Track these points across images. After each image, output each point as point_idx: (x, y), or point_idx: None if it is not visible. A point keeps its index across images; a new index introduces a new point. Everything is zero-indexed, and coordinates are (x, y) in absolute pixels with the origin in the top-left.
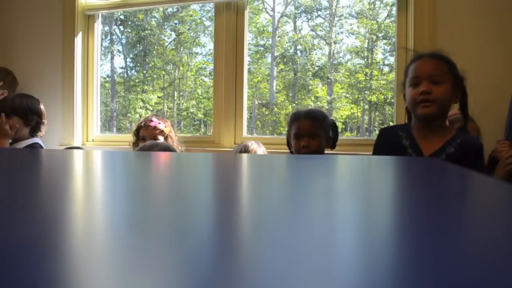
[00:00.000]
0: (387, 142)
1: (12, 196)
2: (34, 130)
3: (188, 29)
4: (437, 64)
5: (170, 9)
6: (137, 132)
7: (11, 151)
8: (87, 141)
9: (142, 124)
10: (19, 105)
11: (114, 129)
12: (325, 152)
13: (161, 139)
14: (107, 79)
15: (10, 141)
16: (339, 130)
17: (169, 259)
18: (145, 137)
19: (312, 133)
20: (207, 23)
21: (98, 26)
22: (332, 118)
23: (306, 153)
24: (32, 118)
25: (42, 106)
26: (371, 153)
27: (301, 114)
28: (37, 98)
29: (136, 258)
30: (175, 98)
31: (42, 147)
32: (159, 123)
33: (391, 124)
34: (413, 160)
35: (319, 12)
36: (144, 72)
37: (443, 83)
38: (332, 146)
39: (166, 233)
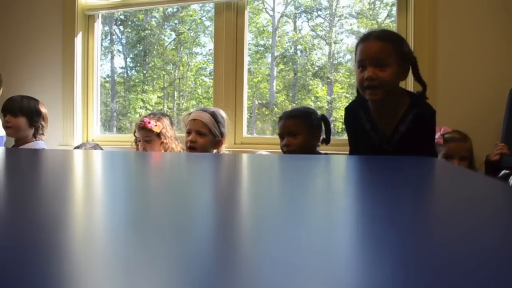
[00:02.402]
0: (353, 123)
1: (15, 196)
2: (37, 132)
3: (188, 29)
4: (381, 47)
5: (170, 9)
6: (135, 133)
7: (20, 153)
8: (87, 141)
9: (137, 125)
10: (27, 106)
11: (114, 129)
12: (322, 148)
13: (154, 138)
14: (107, 79)
15: (13, 144)
16: (339, 130)
17: (169, 259)
18: (140, 138)
19: (292, 132)
20: (207, 23)
21: (98, 26)
22: (323, 113)
23: (288, 151)
24: (37, 119)
25: (45, 110)
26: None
27: (284, 114)
28: (37, 98)
29: (137, 258)
30: (175, 98)
31: None
32: (149, 122)
33: None
34: (406, 160)
35: (319, 12)
36: (144, 72)
37: (388, 66)
38: (326, 142)
39: (166, 233)
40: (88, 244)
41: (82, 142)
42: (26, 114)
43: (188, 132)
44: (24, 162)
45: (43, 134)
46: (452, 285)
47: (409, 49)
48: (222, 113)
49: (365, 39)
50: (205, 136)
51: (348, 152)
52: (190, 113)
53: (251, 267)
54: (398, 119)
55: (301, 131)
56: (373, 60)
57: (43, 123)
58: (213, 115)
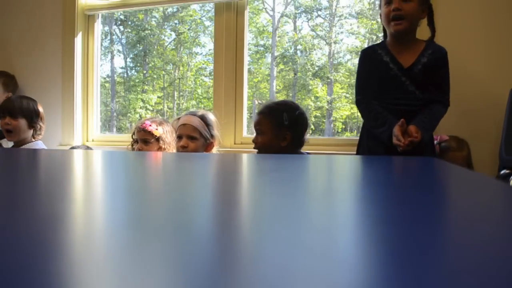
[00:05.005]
0: (370, 60)
1: (14, 196)
2: (35, 132)
3: (188, 29)
4: None
5: (170, 9)
6: (133, 135)
7: (21, 153)
8: (87, 141)
9: (137, 126)
10: (26, 107)
11: (114, 129)
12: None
13: (152, 141)
14: (107, 79)
15: (12, 144)
16: (339, 130)
17: (169, 259)
18: (138, 140)
19: (257, 129)
20: (207, 23)
21: (98, 26)
22: (299, 111)
23: (255, 149)
24: (36, 120)
25: (42, 110)
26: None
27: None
28: (37, 99)
29: (136, 258)
30: (175, 98)
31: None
32: (150, 125)
33: None
34: (407, 160)
35: (319, 12)
36: (144, 72)
37: (411, 1)
38: (297, 145)
39: (165, 234)
40: (85, 244)
41: (79, 144)
42: (25, 115)
43: (179, 137)
44: (23, 163)
45: (41, 134)
46: (453, 285)
47: None
48: (211, 115)
49: None
50: (196, 140)
51: (354, 152)
52: (179, 118)
53: (250, 268)
54: (417, 54)
55: (265, 130)
56: None
57: (41, 123)
58: (203, 118)
